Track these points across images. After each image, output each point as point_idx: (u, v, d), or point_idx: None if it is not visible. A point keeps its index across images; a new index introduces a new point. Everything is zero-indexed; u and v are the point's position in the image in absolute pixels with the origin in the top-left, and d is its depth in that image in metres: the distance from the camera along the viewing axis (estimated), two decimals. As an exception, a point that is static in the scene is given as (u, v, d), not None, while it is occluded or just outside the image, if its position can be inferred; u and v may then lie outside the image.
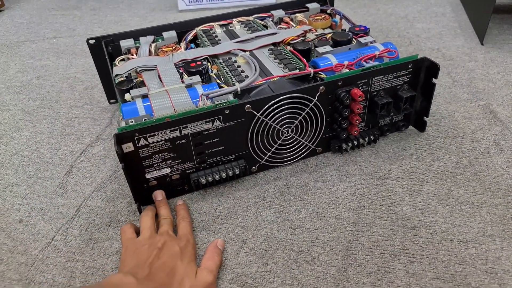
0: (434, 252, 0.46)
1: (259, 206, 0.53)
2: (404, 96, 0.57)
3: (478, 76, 0.78)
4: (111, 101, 0.76)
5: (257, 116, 0.51)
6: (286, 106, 0.52)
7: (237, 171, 0.54)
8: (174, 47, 0.66)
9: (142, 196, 0.53)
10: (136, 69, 0.59)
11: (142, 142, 0.47)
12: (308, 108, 0.54)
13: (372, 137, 0.60)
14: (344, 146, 0.59)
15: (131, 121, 0.48)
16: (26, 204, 0.57)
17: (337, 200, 0.53)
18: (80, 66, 0.94)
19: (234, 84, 0.55)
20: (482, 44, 0.89)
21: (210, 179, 0.53)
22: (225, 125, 0.51)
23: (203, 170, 0.54)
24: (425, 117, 0.62)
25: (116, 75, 0.58)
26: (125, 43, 0.67)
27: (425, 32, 0.97)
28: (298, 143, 0.57)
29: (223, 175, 0.53)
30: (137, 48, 0.66)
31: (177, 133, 0.49)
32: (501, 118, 0.66)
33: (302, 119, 0.54)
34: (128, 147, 0.47)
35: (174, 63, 0.59)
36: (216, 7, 1.22)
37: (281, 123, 0.54)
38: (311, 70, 0.57)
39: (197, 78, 0.55)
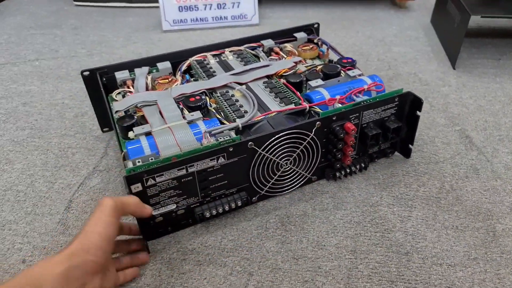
0: (427, 277, 0.50)
1: (262, 237, 0.56)
2: (392, 127, 0.62)
3: (452, 101, 0.84)
4: (104, 129, 0.76)
5: (258, 152, 0.54)
6: (285, 140, 0.55)
7: (239, 203, 0.56)
8: (170, 79, 0.68)
9: (149, 232, 0.54)
10: (136, 105, 0.60)
11: (150, 182, 0.49)
12: (306, 142, 0.57)
13: (363, 164, 0.64)
14: (338, 174, 0.63)
15: (138, 161, 0.50)
16: (27, 243, 0.57)
17: (335, 229, 0.57)
18: (67, 91, 0.94)
19: (234, 120, 0.57)
20: (454, 68, 0.96)
21: (214, 212, 0.55)
22: (229, 161, 0.53)
23: (207, 203, 0.56)
24: (410, 145, 0.66)
25: (117, 111, 0.59)
26: (120, 75, 0.68)
27: (401, 56, 1.03)
28: (295, 173, 0.60)
29: (226, 207, 0.56)
30: (132, 80, 0.67)
31: (183, 172, 0.50)
32: (476, 143, 0.72)
33: (299, 152, 0.58)
34: (137, 187, 0.48)
35: (173, 98, 0.61)
36: (200, 28, 1.24)
37: (281, 156, 0.57)
38: (306, 105, 0.60)
39: (198, 114, 0.58)
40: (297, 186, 0.62)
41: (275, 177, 0.59)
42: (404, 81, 0.92)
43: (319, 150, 0.60)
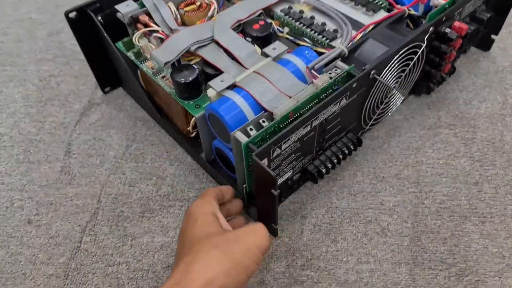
0: (502, 208, 0.44)
1: (309, 174, 0.48)
2: (485, 18, 0.52)
3: None
4: (105, 89, 0.59)
5: (378, 80, 0.42)
6: (399, 59, 0.44)
7: (351, 147, 0.46)
8: (198, 3, 0.49)
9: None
10: (188, 49, 0.43)
11: (276, 152, 0.37)
12: (417, 55, 0.45)
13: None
14: (432, 86, 0.54)
15: (250, 129, 0.37)
16: (28, 199, 0.47)
17: (392, 157, 0.49)
18: (33, 2, 0.75)
19: (328, 46, 0.44)
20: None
21: (329, 164, 0.44)
22: (349, 101, 0.41)
23: (318, 158, 0.45)
24: (493, 35, 0.58)
25: (166, 63, 0.42)
26: (125, 9, 0.48)
27: None
28: (395, 96, 0.50)
29: (340, 156, 0.45)
30: (148, 14, 0.48)
31: (308, 128, 0.38)
32: (537, 46, 0.62)
33: (408, 69, 0.46)
34: (263, 164, 0.35)
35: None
36: None
37: (393, 79, 0.45)
38: (404, 8, 0.47)
39: (279, 45, 0.43)
40: (392, 112, 0.52)
41: (382, 106, 0.48)
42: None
43: (422, 63, 0.48)
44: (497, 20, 0.56)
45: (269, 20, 0.47)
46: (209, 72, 0.42)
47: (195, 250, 0.32)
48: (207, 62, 0.42)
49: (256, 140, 0.36)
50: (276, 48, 0.43)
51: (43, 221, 0.45)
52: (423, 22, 0.47)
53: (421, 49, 0.46)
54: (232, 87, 0.40)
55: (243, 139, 0.35)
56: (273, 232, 0.42)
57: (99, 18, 0.49)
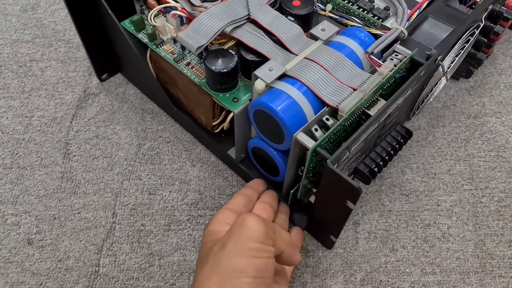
0: None
1: (354, 173, 0.42)
2: None
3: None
4: (103, 77, 0.50)
5: (440, 65, 0.36)
6: (460, 41, 0.38)
7: (401, 140, 0.39)
8: None
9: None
10: (223, 29, 0.35)
11: (345, 156, 0.30)
12: (474, 36, 0.40)
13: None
14: (472, 69, 0.49)
15: (315, 129, 0.30)
16: (25, 214, 0.39)
17: (441, 151, 0.44)
18: (-1, -29, 0.63)
19: (382, 26, 0.37)
20: None
21: (381, 162, 0.38)
22: (412, 91, 0.35)
23: (368, 156, 0.38)
24: None
25: (199, 47, 0.34)
26: None
27: None
28: (441, 81, 0.44)
29: (391, 151, 0.39)
30: None
31: (376, 125, 0.32)
32: None
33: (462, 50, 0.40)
34: (342, 174, 0.28)
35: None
36: None
37: (450, 62, 0.39)
38: None
39: (329, 25, 0.36)
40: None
41: (431, 94, 0.42)
42: None
43: (470, 45, 0.43)
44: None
45: (309, -5, 0.40)
46: (250, 58, 0.35)
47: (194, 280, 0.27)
48: (245, 46, 0.35)
49: (322, 143, 0.30)
50: (325, 29, 0.36)
51: (46, 241, 0.37)
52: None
53: (479, 29, 0.41)
54: (282, 76, 0.33)
55: (309, 142, 0.29)
56: (328, 244, 0.37)
57: (99, -8, 0.40)
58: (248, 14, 0.36)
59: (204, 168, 0.43)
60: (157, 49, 0.39)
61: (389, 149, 0.40)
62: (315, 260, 0.37)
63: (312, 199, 0.35)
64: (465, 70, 0.50)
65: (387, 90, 0.36)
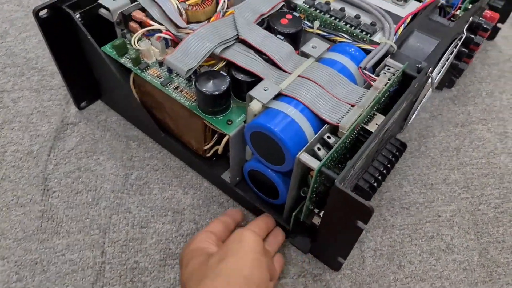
0: (556, 205, 0.42)
1: (352, 189, 0.41)
2: (499, 6, 0.49)
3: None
4: (81, 105, 0.47)
5: (430, 77, 0.36)
6: (446, 52, 0.39)
7: (397, 153, 0.39)
8: None
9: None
10: (212, 51, 0.34)
11: (350, 174, 0.29)
12: (457, 47, 0.40)
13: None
14: (454, 79, 0.51)
15: (318, 149, 0.29)
16: (2, 260, 0.35)
17: (434, 161, 0.44)
18: (-39, 0, 0.60)
19: (371, 41, 0.38)
20: None
21: (379, 176, 0.37)
22: (405, 105, 0.35)
23: (366, 171, 0.37)
24: (499, 24, 0.56)
25: (189, 70, 0.33)
26: (114, 4, 0.37)
27: None
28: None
29: (388, 164, 0.38)
30: (143, 10, 0.37)
31: (376, 141, 0.31)
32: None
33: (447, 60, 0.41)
34: (352, 194, 0.28)
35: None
36: None
37: (437, 74, 0.39)
38: None
39: (319, 43, 0.35)
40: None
41: (420, 106, 0.42)
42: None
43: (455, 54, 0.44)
44: (507, 8, 0.54)
45: (296, 14, 0.39)
46: (242, 78, 0.34)
47: None
48: (236, 66, 0.34)
49: (326, 162, 0.28)
50: (316, 46, 0.35)
51: (28, 289, 0.34)
52: (451, 11, 0.44)
53: (461, 40, 0.42)
54: (277, 96, 0.32)
55: (314, 163, 0.28)
56: (336, 266, 0.35)
57: (77, 16, 0.38)
58: (237, 34, 0.35)
59: (197, 195, 0.40)
60: (142, 73, 0.37)
61: (386, 162, 0.39)
62: (323, 284, 0.35)
63: (315, 220, 0.34)
64: (448, 80, 0.51)
65: (382, 104, 0.35)
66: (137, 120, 0.45)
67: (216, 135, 0.39)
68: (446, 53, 0.39)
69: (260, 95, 0.31)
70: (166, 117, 0.41)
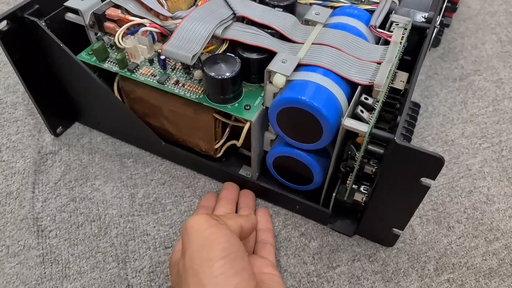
0: None
1: None
2: None
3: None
4: (57, 131, 0.41)
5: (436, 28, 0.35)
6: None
7: (413, 114, 0.37)
8: None
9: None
10: (213, 33, 0.30)
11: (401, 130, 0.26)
12: None
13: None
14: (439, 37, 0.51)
15: (361, 111, 0.27)
16: (4, 325, 0.29)
17: (447, 118, 0.43)
18: None
19: (367, 1, 0.35)
20: None
21: (408, 133, 0.35)
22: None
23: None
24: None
25: (194, 56, 0.29)
26: (84, 5, 0.32)
27: None
28: None
29: (409, 126, 0.36)
30: (118, 7, 0.33)
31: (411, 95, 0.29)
32: None
33: None
34: (418, 148, 0.24)
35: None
36: None
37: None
38: None
39: (323, 9, 0.33)
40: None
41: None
42: None
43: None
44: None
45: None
46: (253, 57, 0.30)
47: None
48: (243, 45, 0.31)
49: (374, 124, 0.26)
50: (320, 12, 0.33)
51: None
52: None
53: None
54: (297, 67, 0.29)
55: (362, 127, 0.25)
56: (390, 241, 0.32)
57: (43, 24, 0.33)
58: (233, 13, 0.32)
59: (216, 200, 0.36)
60: (133, 75, 0.33)
61: (407, 125, 0.38)
62: (380, 263, 0.32)
63: (358, 197, 0.31)
64: (434, 39, 0.51)
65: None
66: (129, 134, 0.40)
67: (227, 131, 0.35)
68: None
69: (281, 68, 0.28)
70: (165, 123, 0.36)
